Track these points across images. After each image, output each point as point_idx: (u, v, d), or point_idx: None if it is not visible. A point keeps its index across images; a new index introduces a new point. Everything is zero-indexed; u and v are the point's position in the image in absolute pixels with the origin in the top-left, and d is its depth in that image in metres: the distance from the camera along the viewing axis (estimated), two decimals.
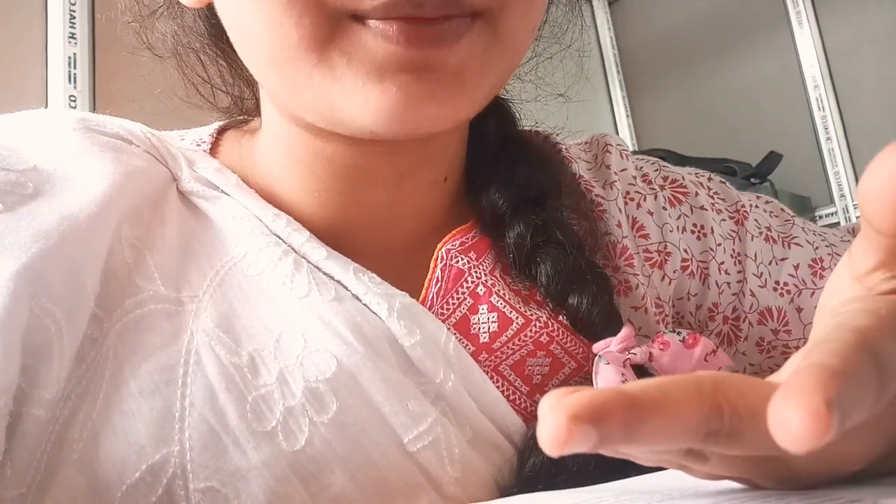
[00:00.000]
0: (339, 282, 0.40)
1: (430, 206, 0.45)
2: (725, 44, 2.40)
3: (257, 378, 0.36)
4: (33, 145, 0.39)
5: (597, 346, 0.42)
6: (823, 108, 2.18)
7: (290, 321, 0.38)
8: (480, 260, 0.44)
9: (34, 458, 0.32)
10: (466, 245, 0.44)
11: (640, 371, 0.41)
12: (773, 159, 2.05)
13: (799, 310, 0.52)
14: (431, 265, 0.43)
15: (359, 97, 0.34)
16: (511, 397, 0.42)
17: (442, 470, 0.36)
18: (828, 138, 2.17)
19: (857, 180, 2.10)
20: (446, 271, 0.43)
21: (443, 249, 0.43)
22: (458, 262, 0.43)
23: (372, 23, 0.33)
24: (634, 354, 0.40)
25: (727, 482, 0.27)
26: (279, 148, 0.43)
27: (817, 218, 2.18)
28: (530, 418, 0.41)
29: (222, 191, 0.43)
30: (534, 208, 0.45)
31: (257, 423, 0.34)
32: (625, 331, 0.41)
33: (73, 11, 1.43)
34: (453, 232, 0.44)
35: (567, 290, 0.43)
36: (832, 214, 2.17)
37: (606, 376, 0.38)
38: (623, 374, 0.37)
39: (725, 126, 2.38)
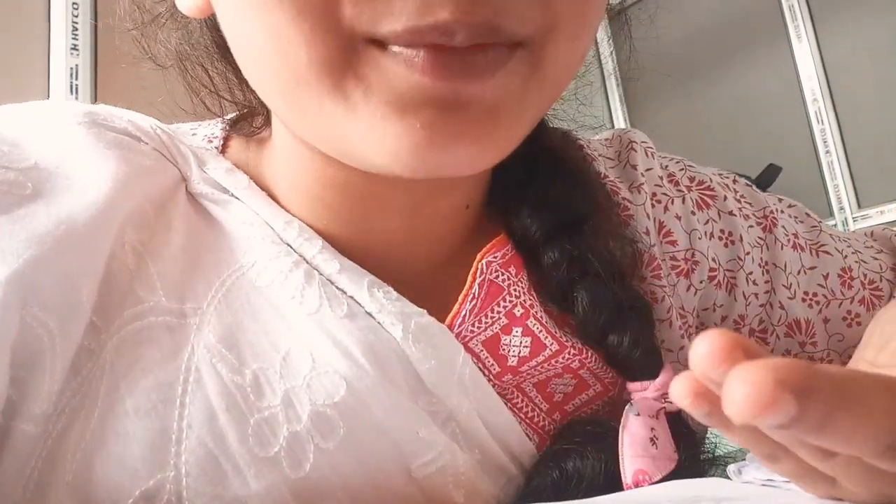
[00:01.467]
0: (351, 297, 0.37)
1: (448, 233, 0.42)
2: (725, 57, 2.41)
3: (261, 399, 0.34)
4: (36, 141, 0.37)
5: (633, 387, 0.40)
6: (822, 121, 2.18)
7: (299, 338, 0.35)
8: (519, 276, 0.41)
9: (23, 475, 0.30)
10: (507, 258, 0.41)
11: (674, 420, 0.39)
12: (771, 172, 2.05)
13: (826, 321, 0.50)
14: (469, 279, 0.40)
15: (376, 133, 0.29)
16: (529, 415, 0.40)
17: (447, 495, 0.35)
18: (827, 151, 2.17)
19: (856, 193, 2.12)
20: (483, 287, 0.40)
21: (483, 262, 0.40)
22: (497, 277, 0.40)
23: (395, 48, 0.28)
24: (670, 402, 0.38)
25: (724, 491, 0.27)
26: (287, 170, 0.40)
27: None
28: (546, 437, 0.40)
29: (232, 194, 0.40)
30: (570, 236, 0.41)
31: (259, 447, 0.33)
32: (664, 376, 0.39)
33: (76, 23, 1.44)
34: (493, 242, 0.41)
35: (606, 328, 0.40)
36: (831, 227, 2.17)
37: (634, 431, 0.37)
38: (653, 430, 0.35)
39: (725, 139, 2.39)
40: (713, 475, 0.39)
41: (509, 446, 0.38)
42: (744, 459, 0.34)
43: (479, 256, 0.40)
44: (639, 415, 0.38)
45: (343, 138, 0.31)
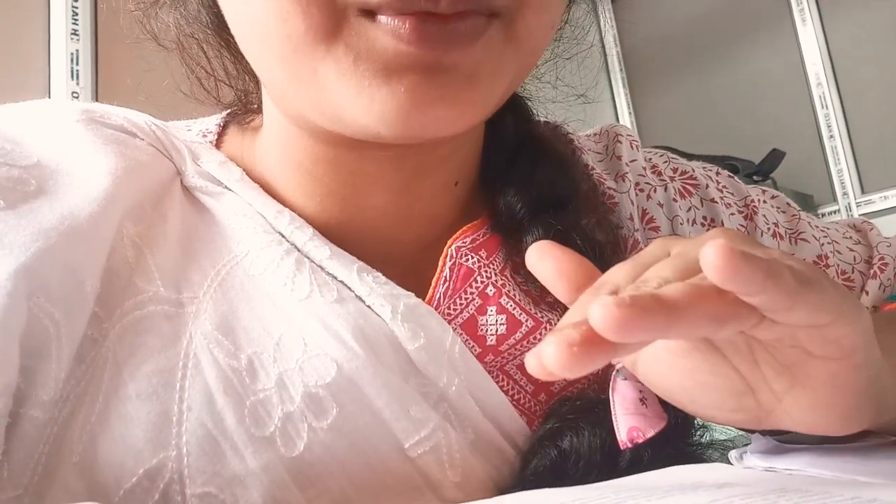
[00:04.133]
0: (342, 282, 0.39)
1: (438, 210, 0.44)
2: (728, 41, 2.39)
3: (256, 382, 0.35)
4: (37, 139, 0.38)
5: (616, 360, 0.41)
6: (826, 105, 2.17)
7: (291, 324, 0.37)
8: (491, 259, 0.43)
9: (31, 459, 0.32)
10: (477, 242, 0.43)
11: None
12: (775, 157, 2.05)
13: None
14: (440, 263, 0.42)
15: (364, 97, 0.32)
16: (515, 396, 0.41)
17: (442, 474, 0.36)
18: (830, 136, 2.16)
19: (859, 178, 2.11)
20: (455, 270, 0.42)
21: (452, 247, 0.42)
22: (467, 260, 0.42)
23: (383, 19, 0.31)
24: None
25: (725, 477, 0.27)
26: (279, 150, 0.42)
27: (820, 216, 2.18)
28: (534, 418, 0.41)
29: (225, 186, 0.42)
30: (553, 214, 0.43)
31: (256, 427, 0.34)
32: None
33: (76, 8, 1.43)
34: (464, 228, 0.43)
35: None
36: (835, 212, 2.16)
37: (624, 393, 0.37)
38: (641, 391, 0.36)
39: (728, 123, 2.38)
40: (714, 461, 0.39)
41: (502, 424, 0.39)
42: (745, 445, 0.34)
43: (448, 242, 0.42)
44: (626, 379, 0.38)
45: (334, 102, 0.33)
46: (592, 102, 0.55)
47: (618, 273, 0.28)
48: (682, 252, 0.28)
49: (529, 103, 0.49)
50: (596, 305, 0.22)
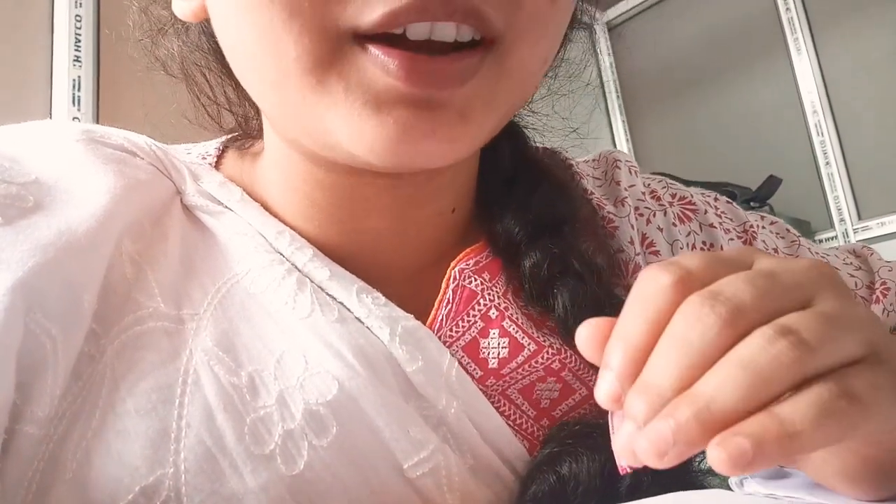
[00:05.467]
0: (341, 303, 0.39)
1: (435, 235, 0.44)
2: (725, 69, 2.41)
3: (256, 399, 0.35)
4: (36, 157, 0.38)
5: None
6: (822, 133, 2.18)
7: (292, 341, 0.37)
8: (494, 281, 0.43)
9: (25, 477, 0.31)
10: (481, 265, 0.43)
11: None
12: (772, 183, 2.05)
13: None
14: (443, 285, 0.42)
15: (353, 127, 0.32)
16: (517, 421, 0.41)
17: (441, 497, 0.36)
18: (827, 163, 2.17)
19: (856, 205, 2.12)
20: (458, 292, 0.41)
21: (456, 269, 0.42)
22: (471, 282, 0.42)
23: (373, 51, 0.31)
24: None
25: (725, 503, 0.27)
26: (279, 174, 0.42)
27: (817, 242, 2.18)
28: (536, 443, 0.41)
29: (226, 206, 0.42)
30: (551, 237, 0.43)
31: (255, 445, 0.34)
32: None
33: (79, 35, 1.45)
34: (467, 251, 0.43)
35: None
36: (832, 239, 2.17)
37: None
38: None
39: (725, 151, 2.39)
40: (715, 486, 0.39)
41: (501, 449, 0.39)
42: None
43: (452, 265, 0.42)
44: None
45: (325, 130, 0.33)
46: (588, 137, 0.55)
47: (692, 262, 0.26)
48: (768, 273, 0.25)
49: (527, 132, 0.50)
50: (643, 440, 0.23)
